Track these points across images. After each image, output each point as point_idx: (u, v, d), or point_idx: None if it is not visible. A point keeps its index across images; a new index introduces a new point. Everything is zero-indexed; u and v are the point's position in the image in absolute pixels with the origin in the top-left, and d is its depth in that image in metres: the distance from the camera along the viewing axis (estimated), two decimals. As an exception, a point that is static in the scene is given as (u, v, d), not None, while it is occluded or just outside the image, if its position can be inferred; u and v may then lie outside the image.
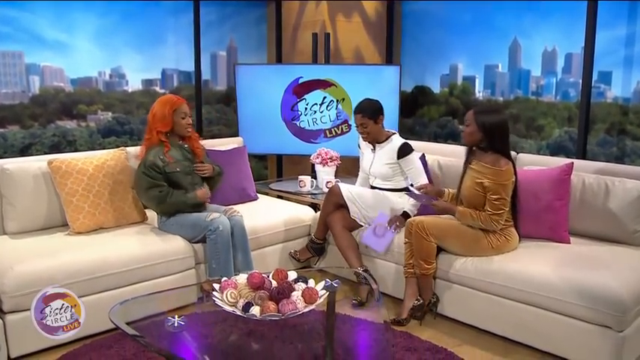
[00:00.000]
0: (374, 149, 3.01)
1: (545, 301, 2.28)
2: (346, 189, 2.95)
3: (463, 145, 2.62)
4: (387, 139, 2.97)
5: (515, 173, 2.50)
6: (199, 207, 2.83)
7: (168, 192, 2.71)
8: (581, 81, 3.28)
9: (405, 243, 2.68)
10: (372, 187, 3.05)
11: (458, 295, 2.59)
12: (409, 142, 2.97)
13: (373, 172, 3.01)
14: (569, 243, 2.64)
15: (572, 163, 2.70)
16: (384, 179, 2.98)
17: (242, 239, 2.77)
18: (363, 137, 2.99)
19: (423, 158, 3.17)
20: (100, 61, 3.55)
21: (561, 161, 2.82)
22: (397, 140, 2.94)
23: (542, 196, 2.66)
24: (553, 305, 2.26)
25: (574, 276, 2.24)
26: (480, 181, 2.47)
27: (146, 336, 1.83)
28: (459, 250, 2.57)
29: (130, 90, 3.73)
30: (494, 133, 2.46)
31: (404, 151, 2.90)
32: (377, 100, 2.96)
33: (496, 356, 2.36)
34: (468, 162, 2.61)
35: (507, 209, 2.47)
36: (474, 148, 2.56)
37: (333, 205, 2.98)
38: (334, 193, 2.97)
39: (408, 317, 2.60)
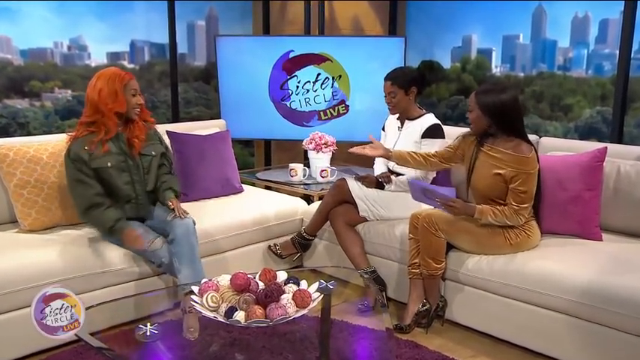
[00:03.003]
0: (401, 127, 3.02)
1: (573, 307, 2.27)
2: (354, 184, 2.96)
3: (473, 134, 2.59)
4: (418, 117, 2.96)
5: (538, 160, 2.50)
6: (143, 209, 2.66)
7: (100, 202, 2.50)
8: (618, 52, 3.27)
9: (409, 239, 2.67)
10: (390, 172, 3.04)
11: (470, 298, 2.59)
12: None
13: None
14: (601, 240, 2.64)
15: (606, 147, 2.70)
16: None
17: (189, 248, 2.50)
18: (390, 109, 2.98)
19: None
20: (56, 30, 3.50)
21: (592, 146, 2.82)
22: (430, 119, 2.94)
23: (570, 185, 2.66)
24: (583, 312, 2.25)
25: (607, 278, 2.24)
26: (500, 171, 2.46)
27: (113, 348, 1.83)
28: (471, 248, 2.57)
29: (92, 64, 3.69)
30: (501, 114, 2.43)
31: (432, 132, 2.89)
32: (414, 69, 2.94)
33: (516, 369, 2.39)
34: (479, 146, 2.58)
35: (532, 201, 2.47)
36: (484, 135, 2.54)
37: (336, 201, 3.00)
38: (341, 190, 2.97)
39: (411, 324, 2.61)
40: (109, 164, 2.53)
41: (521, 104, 2.51)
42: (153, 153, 2.68)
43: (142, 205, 2.66)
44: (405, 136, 2.98)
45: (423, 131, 2.90)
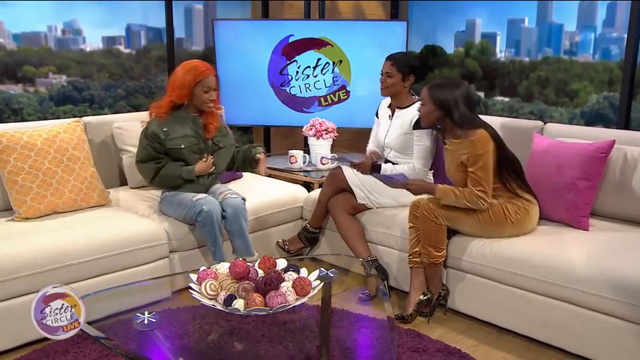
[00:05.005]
0: (392, 116, 3.01)
1: (578, 295, 2.27)
2: (350, 172, 2.95)
3: (423, 126, 2.68)
4: (409, 105, 2.95)
5: (496, 137, 2.50)
6: (200, 185, 2.87)
7: (163, 165, 2.79)
8: (626, 36, 3.23)
9: (409, 228, 2.67)
10: (386, 162, 3.04)
11: (473, 287, 2.59)
12: None
13: (388, 142, 3.01)
14: (587, 230, 2.61)
15: (614, 141, 2.65)
16: (401, 152, 2.97)
17: (239, 225, 2.79)
18: (382, 89, 2.97)
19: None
20: (49, 13, 3.47)
21: (598, 132, 2.79)
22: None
23: (567, 172, 2.64)
24: (588, 301, 2.25)
25: (614, 267, 2.23)
26: (460, 159, 2.50)
27: (111, 337, 1.82)
28: (474, 230, 2.57)
29: (87, 49, 3.66)
30: (452, 108, 2.49)
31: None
32: (416, 58, 2.94)
33: (519, 359, 2.37)
34: (443, 143, 2.65)
35: (489, 184, 2.48)
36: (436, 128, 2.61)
37: (334, 190, 3.00)
38: (338, 178, 2.97)
39: (413, 313, 2.61)
40: (182, 146, 2.79)
41: (473, 98, 2.60)
42: (221, 145, 2.92)
43: (202, 185, 2.89)
44: (396, 125, 2.97)
45: (413, 122, 2.89)
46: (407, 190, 2.65)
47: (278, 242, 3.15)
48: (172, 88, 2.78)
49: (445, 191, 2.53)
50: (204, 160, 2.84)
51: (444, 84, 2.57)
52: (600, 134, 2.77)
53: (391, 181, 2.66)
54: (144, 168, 2.82)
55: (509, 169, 2.54)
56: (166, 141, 2.76)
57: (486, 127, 2.51)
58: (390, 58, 2.93)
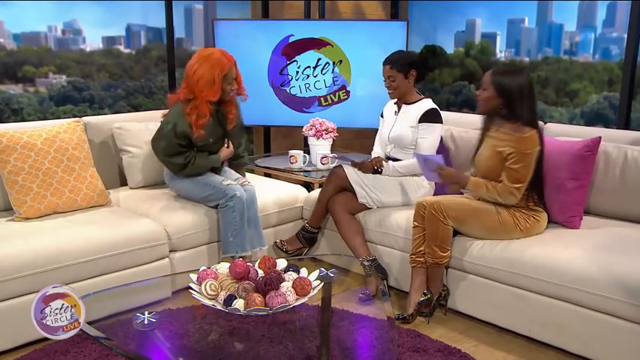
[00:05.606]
0: (398, 111, 3.02)
1: (578, 295, 2.27)
2: (351, 170, 2.96)
3: (479, 112, 2.61)
4: (416, 101, 2.96)
5: (542, 143, 2.49)
6: (216, 169, 2.98)
7: (192, 158, 2.84)
8: (626, 36, 3.24)
9: (414, 227, 2.67)
10: (387, 158, 3.04)
11: (473, 287, 2.59)
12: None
13: (393, 136, 3.01)
14: (578, 229, 2.61)
15: (600, 138, 2.66)
16: (403, 147, 2.97)
17: (254, 212, 2.90)
18: (389, 93, 2.99)
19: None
20: (49, 13, 3.47)
21: (598, 134, 2.79)
22: (428, 104, 2.94)
23: (556, 172, 2.64)
24: (590, 301, 2.24)
25: (616, 266, 2.23)
26: (500, 149, 2.47)
27: (111, 337, 1.82)
28: (482, 234, 2.57)
29: (87, 49, 3.66)
30: (515, 97, 2.44)
31: (429, 116, 2.89)
32: (412, 53, 2.93)
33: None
34: (485, 130, 2.60)
35: (526, 183, 2.46)
36: (492, 116, 2.54)
37: (335, 189, 3.00)
38: (339, 177, 2.98)
39: (413, 313, 2.61)
40: (210, 140, 2.88)
41: (534, 90, 2.53)
42: (234, 125, 3.00)
43: (219, 167, 3.01)
44: (402, 120, 2.98)
45: (420, 115, 2.90)
46: (438, 174, 2.59)
47: (276, 242, 3.14)
48: (200, 87, 2.72)
49: (477, 184, 2.52)
50: (227, 146, 2.96)
51: (508, 71, 2.53)
52: (600, 134, 2.77)
53: (429, 161, 2.60)
54: (171, 162, 2.83)
55: (533, 184, 2.51)
56: (196, 140, 2.80)
57: (539, 131, 2.47)
58: (386, 62, 2.93)
